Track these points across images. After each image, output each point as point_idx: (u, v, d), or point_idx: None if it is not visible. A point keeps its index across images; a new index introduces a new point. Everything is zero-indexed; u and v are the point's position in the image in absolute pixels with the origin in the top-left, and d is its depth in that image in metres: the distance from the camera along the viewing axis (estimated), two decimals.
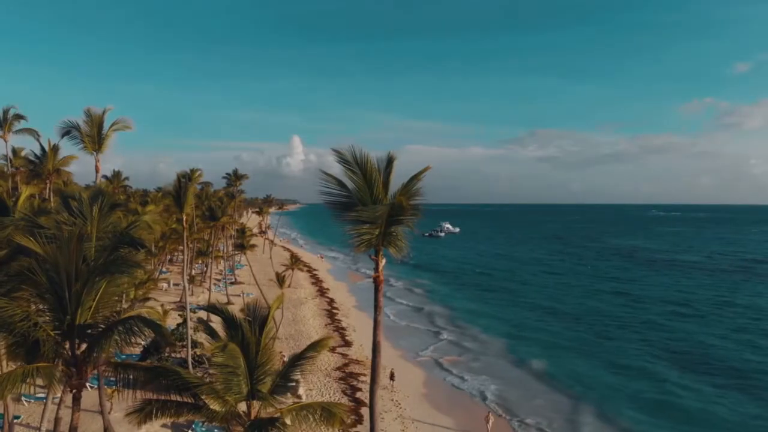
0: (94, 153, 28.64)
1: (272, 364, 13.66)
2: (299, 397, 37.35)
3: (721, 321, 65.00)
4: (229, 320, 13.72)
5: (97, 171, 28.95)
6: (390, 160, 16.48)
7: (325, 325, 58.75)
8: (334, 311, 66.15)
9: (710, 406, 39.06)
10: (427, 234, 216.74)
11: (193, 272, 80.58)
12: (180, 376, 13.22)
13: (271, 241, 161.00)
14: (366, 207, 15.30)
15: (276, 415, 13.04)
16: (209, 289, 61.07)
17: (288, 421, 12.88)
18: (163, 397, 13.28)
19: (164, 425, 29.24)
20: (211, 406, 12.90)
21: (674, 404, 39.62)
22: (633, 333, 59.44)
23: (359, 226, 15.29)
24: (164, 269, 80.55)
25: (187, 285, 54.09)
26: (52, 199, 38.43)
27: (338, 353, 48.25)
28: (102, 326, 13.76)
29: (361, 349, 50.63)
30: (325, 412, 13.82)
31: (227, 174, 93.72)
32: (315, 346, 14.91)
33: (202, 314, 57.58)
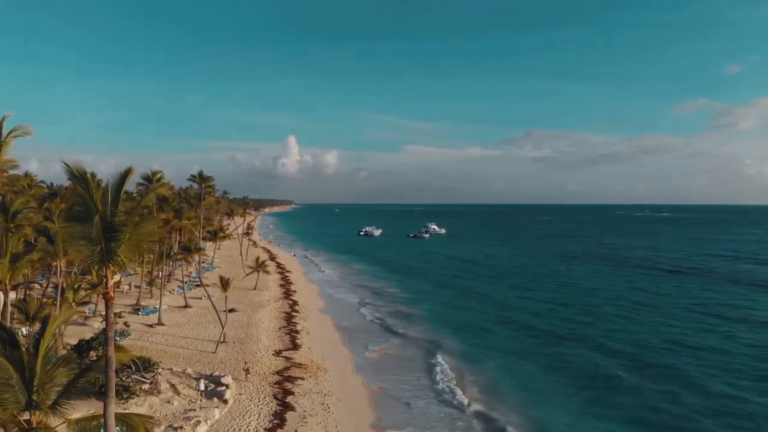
0: None
1: (56, 376, 13.70)
2: (225, 401, 37.20)
3: (647, 320, 66.14)
4: (4, 333, 13.81)
5: None
6: (125, 174, 16.20)
7: (279, 328, 58.58)
8: (294, 314, 65.92)
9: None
10: (411, 235, 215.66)
11: (160, 274, 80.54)
12: None
13: (254, 242, 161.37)
14: (76, 223, 15.22)
15: (55, 426, 13.10)
16: (162, 293, 61.04)
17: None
18: None
19: None
20: None
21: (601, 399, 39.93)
22: (570, 335, 59.77)
23: (76, 242, 15.21)
24: (130, 271, 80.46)
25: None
26: None
27: (283, 356, 48.14)
28: None
29: (308, 352, 50.54)
30: (123, 423, 13.85)
31: (192, 176, 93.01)
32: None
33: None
